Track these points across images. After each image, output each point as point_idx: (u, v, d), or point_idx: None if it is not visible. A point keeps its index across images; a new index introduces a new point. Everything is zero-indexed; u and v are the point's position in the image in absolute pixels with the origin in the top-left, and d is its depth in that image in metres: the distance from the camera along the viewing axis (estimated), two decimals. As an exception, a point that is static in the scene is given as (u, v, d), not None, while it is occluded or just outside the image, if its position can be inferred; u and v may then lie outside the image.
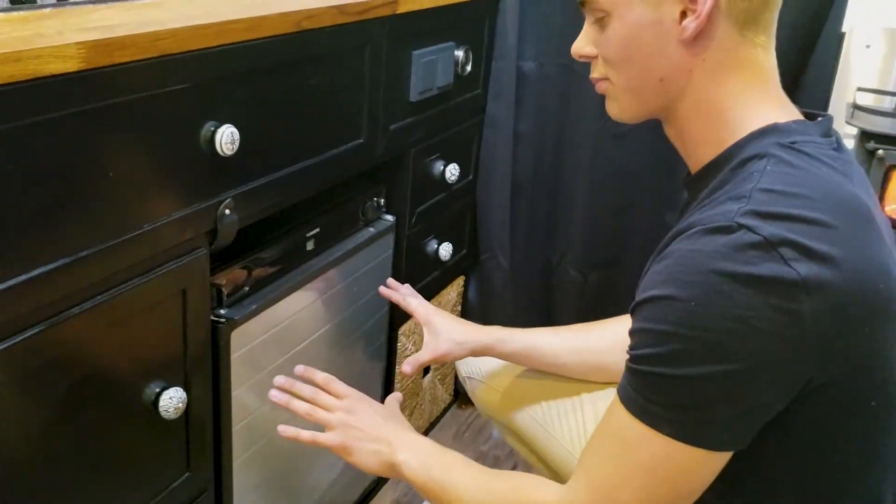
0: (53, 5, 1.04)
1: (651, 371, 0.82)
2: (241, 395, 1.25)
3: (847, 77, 1.72)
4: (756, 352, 0.78)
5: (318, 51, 1.22)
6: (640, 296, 0.85)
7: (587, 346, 1.32)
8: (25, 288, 0.85)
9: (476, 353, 1.34)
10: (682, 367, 0.80)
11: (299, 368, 1.23)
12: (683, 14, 0.87)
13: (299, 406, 1.17)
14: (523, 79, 1.81)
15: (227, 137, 1.04)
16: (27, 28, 0.89)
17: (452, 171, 1.73)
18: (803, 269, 0.76)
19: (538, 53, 1.80)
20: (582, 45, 0.96)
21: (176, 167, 1.02)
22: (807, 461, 0.89)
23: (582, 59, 0.97)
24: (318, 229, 1.39)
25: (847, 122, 1.66)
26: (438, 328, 1.33)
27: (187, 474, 1.17)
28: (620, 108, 0.97)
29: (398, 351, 1.75)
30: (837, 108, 1.69)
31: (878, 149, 1.61)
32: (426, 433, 2.01)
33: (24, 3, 1.07)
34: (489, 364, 1.43)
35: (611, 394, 1.28)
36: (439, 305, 1.91)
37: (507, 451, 1.93)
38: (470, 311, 2.07)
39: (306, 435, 1.15)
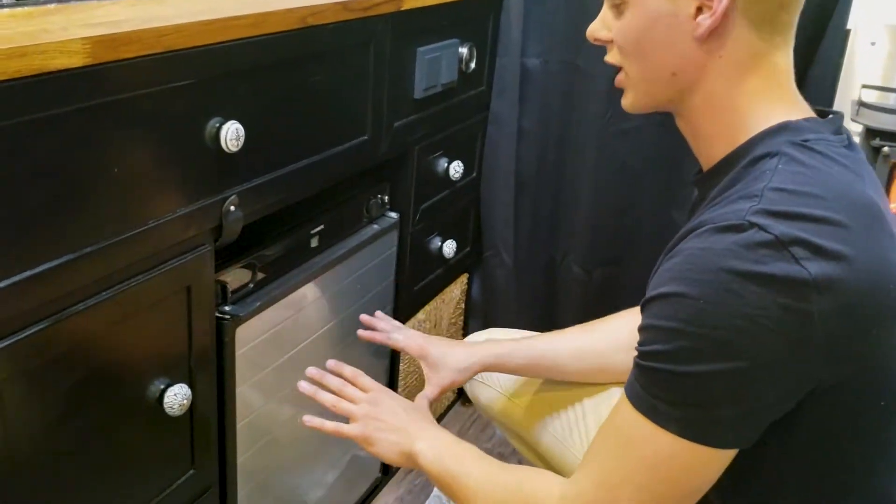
0: (58, 1, 1.03)
1: (658, 368, 0.82)
2: (245, 391, 1.25)
3: (852, 74, 1.72)
4: (764, 351, 0.77)
5: (322, 47, 1.22)
6: (649, 293, 0.85)
7: (590, 348, 1.32)
8: (30, 284, 0.85)
9: (481, 373, 1.33)
10: (690, 365, 0.80)
11: (331, 363, 1.25)
12: (699, 10, 0.85)
13: (325, 397, 1.19)
14: (527, 76, 1.81)
15: (231, 134, 1.04)
16: (32, 24, 0.89)
17: (456, 169, 1.73)
18: (814, 268, 0.75)
19: (542, 50, 1.80)
20: (597, 29, 0.95)
21: (180, 164, 1.02)
22: (812, 460, 0.88)
23: (596, 43, 0.97)
24: (322, 226, 1.39)
25: (852, 120, 1.66)
26: (437, 360, 1.31)
27: (192, 471, 1.17)
28: (633, 99, 0.96)
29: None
30: (842, 105, 1.69)
31: (884, 146, 1.61)
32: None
33: (28, -2, 1.06)
34: None
35: (610, 396, 1.29)
36: (443, 303, 1.91)
37: (510, 449, 1.93)
38: (473, 308, 2.06)
39: (330, 425, 1.16)
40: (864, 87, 1.69)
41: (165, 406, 1.05)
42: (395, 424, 1.14)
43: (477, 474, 1.05)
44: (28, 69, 0.79)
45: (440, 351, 1.31)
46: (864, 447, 0.88)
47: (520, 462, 1.44)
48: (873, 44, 1.71)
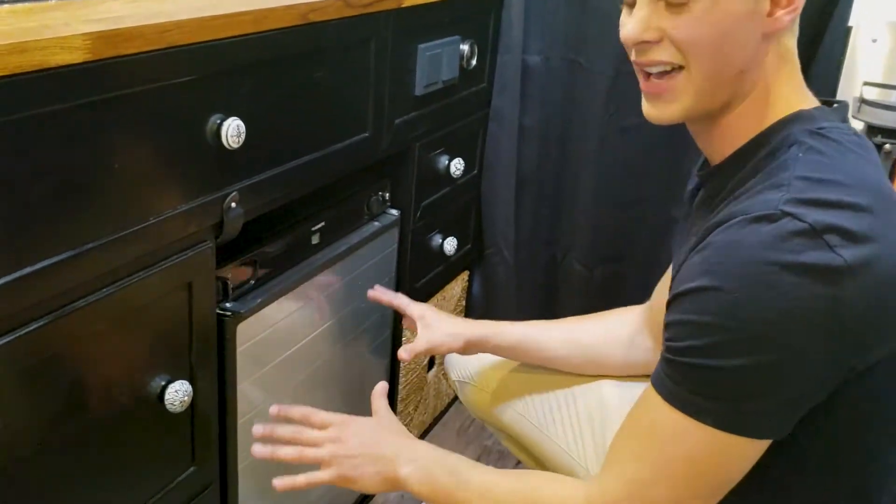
0: (59, -3, 1.04)
1: (693, 363, 0.82)
2: (246, 388, 1.25)
3: (853, 71, 1.71)
4: (801, 340, 0.78)
5: (323, 44, 1.22)
6: (678, 288, 0.84)
7: (580, 338, 1.32)
8: (30, 281, 0.85)
9: (471, 344, 1.32)
10: (726, 359, 0.80)
11: (273, 409, 1.16)
12: (774, 5, 0.86)
13: (286, 453, 1.10)
14: (528, 73, 1.81)
15: (233, 130, 1.04)
16: (33, 19, 0.89)
17: (457, 166, 1.73)
18: (848, 254, 0.76)
19: (543, 47, 1.80)
20: (642, 31, 0.87)
21: (182, 160, 1.02)
22: (838, 446, 0.89)
23: (638, 47, 0.89)
24: (323, 223, 1.39)
25: (854, 117, 1.66)
26: (431, 322, 1.33)
27: (193, 468, 1.17)
28: (690, 104, 0.89)
29: (403, 345, 1.74)
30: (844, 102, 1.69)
31: (885, 143, 1.61)
32: (430, 428, 2.01)
33: (29, -6, 1.06)
34: (478, 364, 1.42)
35: (600, 387, 1.29)
36: (444, 300, 1.91)
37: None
38: (474, 305, 2.06)
39: (302, 479, 1.09)
40: (866, 84, 1.69)
41: (166, 403, 1.05)
42: (369, 454, 1.09)
43: (479, 486, 1.03)
44: (29, 65, 0.79)
45: (437, 316, 1.34)
46: (892, 434, 0.89)
47: (517, 465, 1.44)
48: (875, 41, 1.71)
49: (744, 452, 0.85)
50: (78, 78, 0.84)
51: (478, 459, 1.83)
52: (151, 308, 1.03)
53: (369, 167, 1.49)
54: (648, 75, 0.91)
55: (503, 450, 1.94)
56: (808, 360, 0.79)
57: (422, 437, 1.97)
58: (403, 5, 1.38)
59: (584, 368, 1.32)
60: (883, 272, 0.77)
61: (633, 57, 0.91)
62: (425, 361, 1.89)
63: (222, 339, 1.18)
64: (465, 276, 2.01)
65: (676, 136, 1.05)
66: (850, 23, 1.65)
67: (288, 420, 1.14)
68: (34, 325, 0.87)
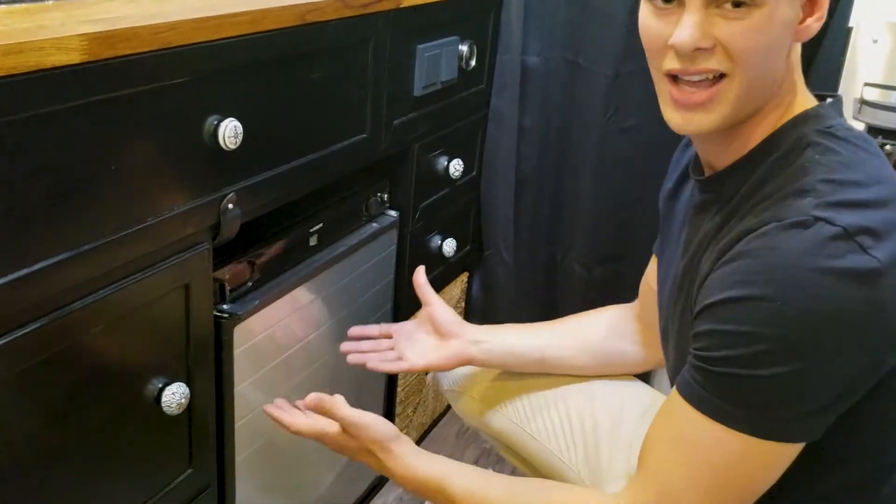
0: (56, -3, 1.03)
1: (731, 373, 0.82)
2: (243, 390, 1.25)
3: (854, 72, 1.71)
4: (844, 344, 0.78)
5: (321, 44, 1.21)
6: (711, 298, 0.84)
7: (559, 344, 1.32)
8: (27, 282, 0.85)
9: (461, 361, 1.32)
10: (768, 368, 0.80)
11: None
12: (806, 13, 0.86)
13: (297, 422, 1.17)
14: (527, 73, 1.81)
15: (230, 131, 1.04)
16: (30, 20, 0.89)
17: (456, 167, 1.73)
18: (880, 254, 0.77)
19: (542, 48, 1.80)
20: (699, 37, 0.82)
21: (179, 161, 1.01)
22: (865, 442, 0.89)
23: (689, 54, 0.84)
24: (321, 224, 1.39)
25: (854, 118, 1.66)
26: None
27: (190, 470, 1.16)
28: (729, 111, 0.86)
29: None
30: (844, 103, 1.68)
31: (886, 144, 1.61)
32: (429, 430, 2.01)
33: (26, -5, 1.06)
34: (468, 373, 1.41)
35: (590, 387, 1.29)
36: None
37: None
38: (474, 307, 2.06)
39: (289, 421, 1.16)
40: (867, 84, 1.69)
41: (163, 405, 1.05)
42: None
43: (497, 495, 1.03)
44: (25, 66, 0.79)
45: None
46: None
47: (513, 472, 1.43)
48: (875, 41, 1.71)
49: (778, 458, 0.85)
50: (75, 79, 0.84)
51: (476, 462, 1.83)
52: (148, 309, 1.02)
53: (368, 168, 1.49)
54: (676, 82, 0.87)
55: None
56: (849, 362, 0.79)
57: (421, 438, 1.97)
58: (402, 6, 1.37)
59: (595, 370, 1.32)
60: None
61: (671, 65, 0.86)
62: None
63: (220, 341, 1.18)
64: (464, 277, 2.00)
65: (675, 137, 1.04)
66: (851, 23, 1.65)
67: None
68: (31, 327, 0.87)
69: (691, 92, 0.86)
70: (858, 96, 1.69)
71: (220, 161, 1.06)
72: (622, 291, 1.88)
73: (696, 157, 1.00)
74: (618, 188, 1.84)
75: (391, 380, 1.76)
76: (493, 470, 1.13)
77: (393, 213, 1.60)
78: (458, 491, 1.04)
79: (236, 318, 1.19)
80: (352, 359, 1.31)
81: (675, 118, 0.88)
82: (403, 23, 1.40)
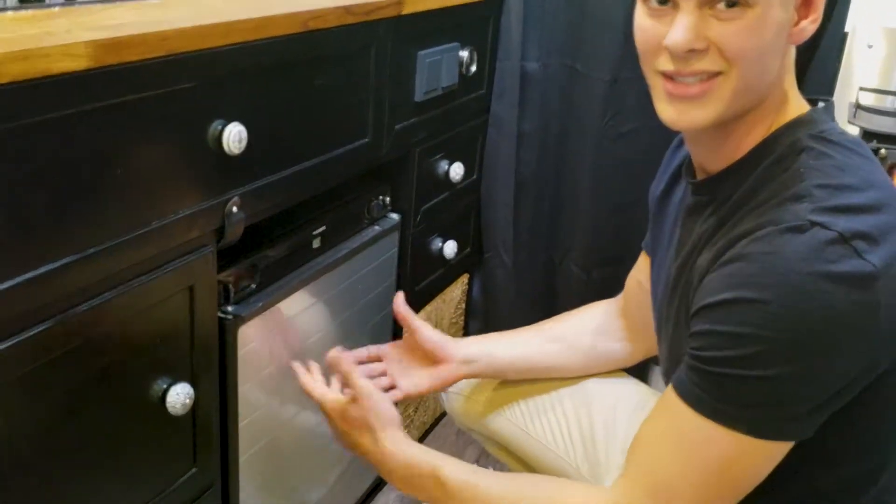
0: (62, 4, 1.04)
1: (727, 373, 0.83)
2: (247, 391, 1.26)
3: (849, 77, 1.72)
4: (839, 346, 0.79)
5: (324, 51, 1.23)
6: (708, 299, 0.85)
7: (549, 350, 1.33)
8: (33, 285, 0.86)
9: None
10: (762, 369, 0.81)
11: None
12: (800, 15, 0.87)
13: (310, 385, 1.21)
14: (527, 79, 1.82)
15: (234, 136, 1.05)
16: (36, 27, 0.90)
17: (457, 171, 1.74)
18: (875, 258, 0.78)
19: (542, 54, 1.81)
20: (692, 38, 0.83)
21: (184, 165, 1.02)
22: (862, 440, 0.91)
23: (683, 56, 0.85)
24: (324, 227, 1.40)
25: (849, 122, 1.67)
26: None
27: (194, 469, 1.17)
28: (723, 109, 0.87)
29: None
30: (840, 107, 1.70)
31: (881, 148, 1.62)
32: (431, 429, 2.02)
33: (32, 1, 1.07)
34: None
35: (584, 387, 1.30)
36: (444, 303, 1.92)
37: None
38: (474, 308, 2.07)
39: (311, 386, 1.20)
40: (862, 89, 1.70)
41: (168, 405, 1.06)
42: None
43: (490, 489, 1.03)
44: (32, 72, 0.79)
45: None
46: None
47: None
48: (870, 46, 1.72)
49: (770, 455, 0.86)
50: (80, 85, 0.85)
51: (477, 462, 1.84)
52: (153, 311, 1.03)
53: (370, 172, 1.50)
54: (673, 79, 0.87)
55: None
56: (844, 364, 0.81)
57: (422, 438, 1.98)
58: (403, 13, 1.38)
59: (586, 371, 1.33)
60: None
61: (665, 66, 0.87)
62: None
63: (224, 342, 1.19)
64: (464, 278, 2.02)
65: (672, 141, 1.06)
66: (847, 28, 1.66)
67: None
68: (37, 329, 0.88)
69: (686, 84, 0.86)
70: (854, 100, 1.70)
71: (225, 165, 1.07)
72: (620, 292, 1.90)
73: (689, 158, 1.01)
74: (616, 191, 1.85)
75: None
76: (493, 470, 1.14)
77: (394, 215, 1.61)
78: (450, 477, 1.05)
79: (240, 320, 1.20)
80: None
81: (668, 111, 0.89)
82: (405, 29, 1.41)
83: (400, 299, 1.32)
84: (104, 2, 1.06)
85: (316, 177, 1.28)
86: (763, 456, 0.86)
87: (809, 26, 0.87)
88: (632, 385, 1.34)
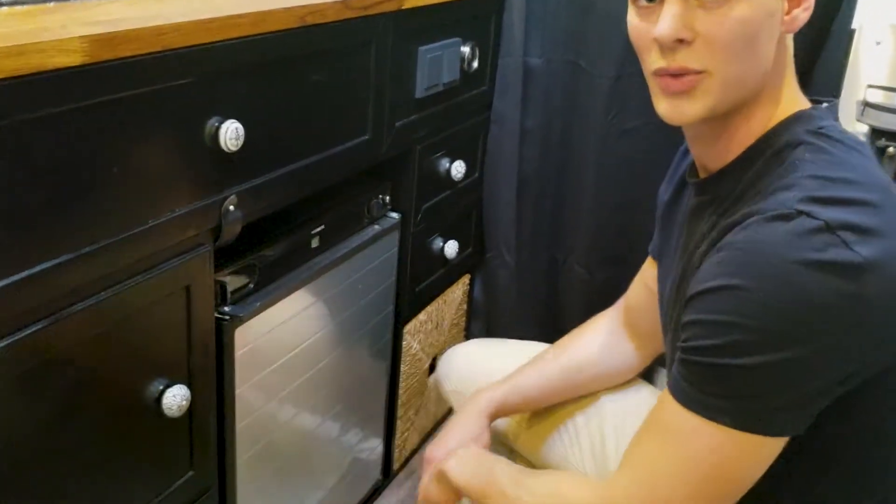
0: (57, -1, 1.04)
1: (710, 362, 0.82)
2: (244, 392, 1.25)
3: (857, 74, 1.70)
4: (822, 337, 0.78)
5: (323, 46, 1.21)
6: (695, 288, 0.85)
7: (565, 377, 1.31)
8: (28, 284, 0.85)
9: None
10: (746, 358, 0.80)
11: None
12: (791, 4, 0.86)
13: None
14: (530, 75, 1.81)
15: (231, 133, 1.04)
16: (31, 22, 0.89)
17: (458, 169, 1.73)
18: (864, 250, 0.77)
19: (545, 50, 1.80)
20: (679, 28, 0.83)
21: (180, 163, 1.01)
22: (859, 443, 0.89)
23: (669, 47, 0.85)
24: (322, 226, 1.39)
25: (857, 120, 1.65)
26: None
27: (190, 473, 1.16)
28: (714, 102, 0.87)
29: (403, 349, 1.74)
30: (847, 105, 1.68)
31: (889, 146, 1.60)
32: (431, 432, 2.01)
33: (27, -3, 1.06)
34: (469, 374, 1.41)
35: (599, 403, 1.29)
36: (445, 304, 1.90)
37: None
38: (475, 309, 2.06)
39: None
40: (870, 87, 1.68)
41: (164, 407, 1.05)
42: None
43: (506, 480, 1.04)
44: (27, 67, 0.79)
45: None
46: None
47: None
48: (879, 43, 1.70)
49: (759, 451, 0.85)
50: (75, 81, 0.84)
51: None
52: (149, 312, 1.02)
53: (370, 170, 1.49)
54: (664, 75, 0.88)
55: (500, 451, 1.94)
56: (828, 355, 0.79)
57: (422, 441, 1.97)
58: (404, 7, 1.37)
59: (599, 388, 1.32)
60: None
61: (656, 63, 0.87)
62: (426, 365, 1.88)
63: (221, 343, 1.17)
64: (466, 279, 2.00)
65: (677, 139, 1.04)
66: (854, 25, 1.65)
67: None
68: (32, 329, 0.87)
69: (676, 79, 0.87)
70: (861, 98, 1.69)
71: (222, 163, 1.06)
72: (623, 293, 1.88)
73: (693, 162, 1.01)
74: (619, 190, 1.83)
75: (393, 382, 1.76)
76: None
77: (395, 215, 1.59)
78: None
79: (237, 320, 1.19)
80: None
81: (662, 106, 0.90)
82: (405, 24, 1.40)
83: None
84: (99, -4, 1.05)
85: (314, 175, 1.27)
86: (751, 452, 0.84)
87: (802, 14, 0.87)
88: (645, 393, 1.33)
